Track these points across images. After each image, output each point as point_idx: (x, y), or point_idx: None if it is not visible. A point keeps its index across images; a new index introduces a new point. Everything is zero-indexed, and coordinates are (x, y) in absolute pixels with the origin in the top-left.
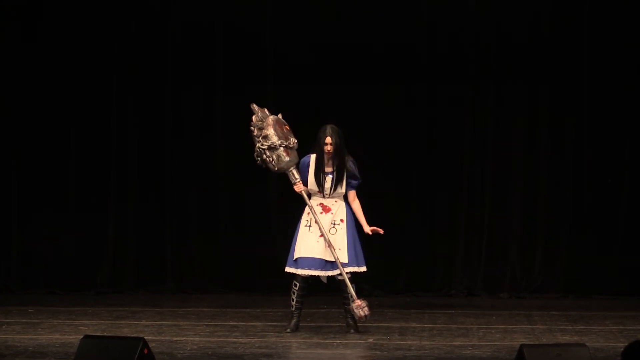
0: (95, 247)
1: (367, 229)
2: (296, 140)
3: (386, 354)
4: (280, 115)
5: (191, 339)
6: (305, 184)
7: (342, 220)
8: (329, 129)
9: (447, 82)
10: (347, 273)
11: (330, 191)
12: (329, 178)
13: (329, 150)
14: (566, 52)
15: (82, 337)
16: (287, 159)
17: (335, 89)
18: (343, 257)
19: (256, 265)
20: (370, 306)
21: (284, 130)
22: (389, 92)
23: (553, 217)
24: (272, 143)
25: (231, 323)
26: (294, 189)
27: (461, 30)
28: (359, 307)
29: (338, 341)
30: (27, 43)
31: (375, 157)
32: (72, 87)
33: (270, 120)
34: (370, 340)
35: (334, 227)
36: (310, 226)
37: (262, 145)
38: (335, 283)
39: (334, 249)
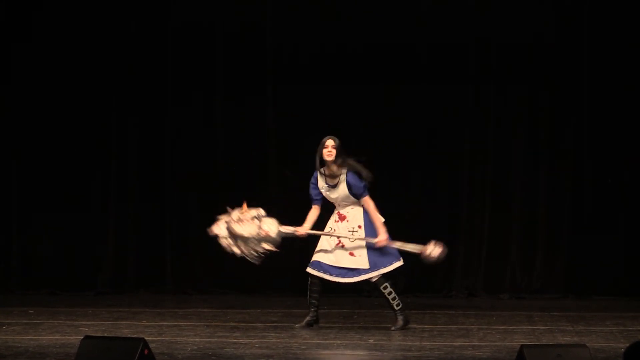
0: (95, 247)
1: (376, 241)
2: (259, 209)
3: (387, 354)
4: (224, 218)
5: (191, 339)
6: (320, 199)
7: (359, 227)
8: (328, 137)
9: (447, 82)
10: (370, 278)
11: (340, 200)
12: (334, 189)
13: (329, 153)
14: (566, 52)
15: (82, 337)
16: (272, 231)
17: (335, 89)
18: (364, 263)
19: (256, 266)
20: (438, 245)
21: (242, 217)
22: (389, 92)
23: (553, 217)
24: (251, 238)
25: (231, 324)
26: (299, 237)
27: (461, 30)
28: (429, 255)
29: (338, 341)
30: (26, 43)
31: (374, 157)
32: (72, 87)
33: (232, 228)
34: (371, 340)
35: (352, 234)
36: (330, 235)
37: (254, 250)
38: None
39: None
